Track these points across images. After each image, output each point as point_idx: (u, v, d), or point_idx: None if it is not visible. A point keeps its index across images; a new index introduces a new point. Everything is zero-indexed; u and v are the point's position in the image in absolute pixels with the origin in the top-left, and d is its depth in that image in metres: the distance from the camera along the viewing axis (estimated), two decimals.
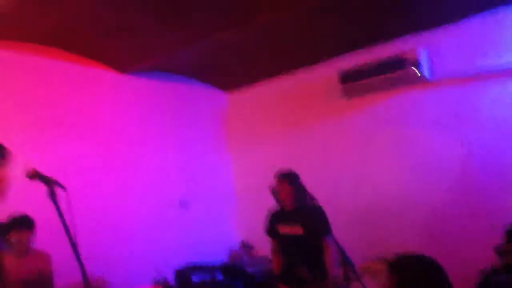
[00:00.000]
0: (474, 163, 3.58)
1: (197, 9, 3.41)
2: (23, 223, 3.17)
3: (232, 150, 5.47)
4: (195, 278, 4.32)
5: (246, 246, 5.01)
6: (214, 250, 4.89)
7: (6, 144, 1.83)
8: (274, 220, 3.58)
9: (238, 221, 5.23)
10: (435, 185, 3.75)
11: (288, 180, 3.42)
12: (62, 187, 1.85)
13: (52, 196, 1.83)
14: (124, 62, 4.46)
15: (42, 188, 1.85)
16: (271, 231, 3.59)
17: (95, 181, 4.20)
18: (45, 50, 4.06)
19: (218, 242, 5.00)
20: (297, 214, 3.43)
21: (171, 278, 4.18)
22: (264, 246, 3.77)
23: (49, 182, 1.85)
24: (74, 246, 1.76)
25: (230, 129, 5.52)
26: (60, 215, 1.77)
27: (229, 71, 5.00)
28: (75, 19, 3.55)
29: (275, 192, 3.47)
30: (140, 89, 4.74)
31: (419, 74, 3.78)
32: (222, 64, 4.80)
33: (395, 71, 3.86)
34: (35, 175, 1.86)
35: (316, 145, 4.63)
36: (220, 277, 4.43)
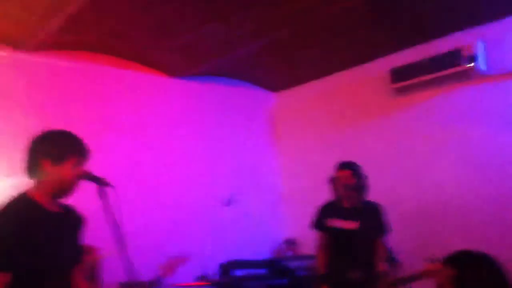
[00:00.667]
0: None
1: (250, 8, 3.37)
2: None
3: (280, 150, 5.44)
4: (238, 273, 4.35)
5: (290, 243, 4.98)
6: (259, 246, 4.91)
7: None
8: (325, 213, 3.38)
9: (283, 219, 5.20)
10: (497, 182, 3.55)
11: (350, 170, 3.25)
12: (111, 185, 1.89)
13: (102, 194, 1.87)
14: (175, 67, 4.59)
15: (92, 187, 1.90)
16: (320, 223, 3.39)
17: (149, 180, 4.39)
18: (98, 58, 4.26)
19: (263, 239, 5.01)
20: (355, 210, 3.24)
21: (215, 273, 4.24)
22: (308, 244, 3.71)
23: (98, 181, 1.89)
24: (122, 244, 1.79)
25: (279, 129, 5.49)
26: (109, 213, 1.81)
27: (277, 71, 4.98)
28: (127, 25, 3.64)
29: (334, 182, 3.31)
30: (191, 92, 4.88)
31: (477, 69, 3.59)
32: (270, 65, 4.78)
33: (450, 67, 3.68)
34: (85, 176, 1.91)
35: (367, 145, 4.48)
36: (263, 272, 4.44)
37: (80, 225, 2.09)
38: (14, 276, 1.73)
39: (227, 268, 4.36)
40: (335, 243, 3.31)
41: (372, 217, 3.18)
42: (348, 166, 3.29)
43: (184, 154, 4.71)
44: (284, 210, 5.23)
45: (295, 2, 3.31)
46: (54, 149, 1.88)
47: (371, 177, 4.18)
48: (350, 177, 3.23)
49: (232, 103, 5.18)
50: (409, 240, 3.79)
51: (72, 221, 2.05)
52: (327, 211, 3.39)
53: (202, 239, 4.57)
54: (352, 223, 3.22)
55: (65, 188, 1.90)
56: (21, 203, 1.86)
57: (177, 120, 4.74)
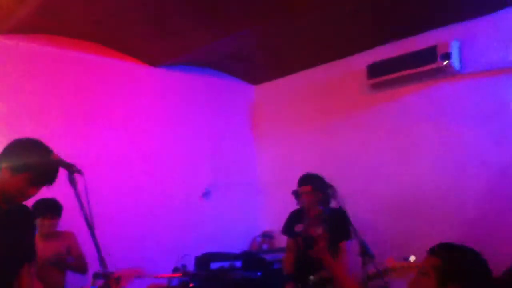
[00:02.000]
0: (509, 157, 3.46)
1: (230, 2, 3.39)
2: (47, 210, 3.23)
3: (259, 142, 5.46)
4: (214, 266, 4.35)
5: (267, 236, 5.01)
6: (236, 239, 4.93)
7: (43, 131, 1.92)
8: (294, 220, 3.56)
9: (261, 212, 5.23)
10: (471, 179, 3.66)
11: (310, 185, 3.36)
12: (80, 172, 1.87)
13: (72, 181, 1.85)
14: (156, 56, 4.53)
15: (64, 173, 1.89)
16: (289, 229, 3.58)
17: (126, 170, 4.33)
18: (82, 44, 4.18)
19: (241, 231, 5.04)
20: (319, 216, 3.38)
21: (191, 266, 4.23)
22: (284, 237, 3.76)
23: (69, 167, 1.88)
24: (91, 229, 1.79)
25: (258, 122, 5.51)
26: (79, 200, 1.80)
27: (257, 64, 4.99)
28: (106, 11, 3.56)
29: (296, 196, 3.44)
30: (171, 82, 4.83)
31: (451, 67, 3.67)
32: (250, 57, 4.79)
33: (426, 64, 3.75)
34: (58, 163, 1.90)
35: (344, 139, 4.55)
36: (239, 265, 4.45)
37: (31, 223, 2.14)
38: None
39: (202, 260, 4.36)
40: (302, 248, 3.45)
41: (334, 223, 3.28)
42: (308, 181, 3.38)
43: (163, 144, 4.67)
44: (261, 203, 5.25)
45: (278, 6, 3.36)
46: (15, 159, 1.89)
47: (347, 172, 4.25)
48: (310, 192, 3.34)
49: (212, 94, 5.15)
50: (388, 235, 3.86)
51: (20, 219, 2.05)
52: (295, 218, 3.56)
53: (179, 231, 4.57)
54: (318, 229, 3.33)
55: (12, 195, 1.92)
56: None
57: (156, 109, 4.68)
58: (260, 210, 5.24)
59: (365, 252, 2.91)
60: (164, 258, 3.99)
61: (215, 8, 3.46)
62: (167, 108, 4.76)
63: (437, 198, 3.84)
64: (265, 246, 4.98)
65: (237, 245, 4.82)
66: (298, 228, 3.46)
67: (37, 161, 1.91)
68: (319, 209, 3.37)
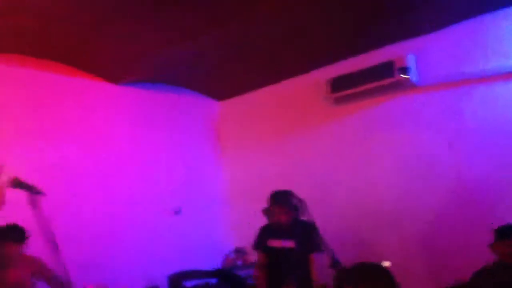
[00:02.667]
0: (463, 165, 3.64)
1: (180, 10, 3.35)
2: (8, 236, 3.08)
3: (225, 158, 5.51)
4: (187, 284, 4.33)
5: (239, 251, 5.02)
6: (208, 256, 4.92)
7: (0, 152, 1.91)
8: (265, 235, 3.63)
9: (231, 227, 5.25)
10: (427, 187, 3.80)
11: (281, 203, 3.45)
12: (41, 193, 1.87)
13: (33, 203, 1.84)
14: (115, 73, 4.49)
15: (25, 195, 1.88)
16: (260, 244, 3.63)
17: (87, 188, 4.25)
18: (40, 62, 4.14)
19: (212, 248, 5.03)
20: (289, 230, 3.47)
21: (163, 284, 4.21)
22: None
23: (30, 189, 1.87)
24: (55, 251, 1.78)
25: (223, 137, 5.56)
26: (41, 222, 1.79)
27: (220, 80, 5.04)
28: (61, 29, 3.54)
29: (267, 213, 3.51)
30: (133, 99, 4.81)
31: (408, 80, 3.83)
32: (213, 73, 4.83)
33: (384, 78, 3.91)
34: (16, 184, 1.89)
35: (308, 152, 4.66)
36: (213, 281, 4.44)
37: None
38: None
39: (176, 278, 4.33)
40: (275, 261, 3.56)
41: (305, 236, 3.37)
42: (281, 201, 3.46)
43: (129, 162, 4.64)
44: (231, 219, 5.28)
45: (236, 14, 3.38)
46: None
47: (310, 183, 4.33)
48: (283, 212, 3.42)
49: (177, 111, 5.16)
50: (350, 243, 3.95)
51: None
52: (266, 232, 3.64)
53: (150, 249, 4.53)
54: (289, 242, 3.46)
55: None
56: None
57: (121, 127, 4.65)
58: (231, 225, 5.25)
59: (335, 264, 2.99)
60: (136, 277, 3.97)
61: (171, 15, 3.43)
62: (130, 125, 4.73)
63: (392, 207, 3.98)
64: (239, 262, 4.99)
65: (210, 262, 4.81)
66: (272, 243, 3.54)
67: None
68: (290, 223, 3.44)
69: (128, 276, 3.85)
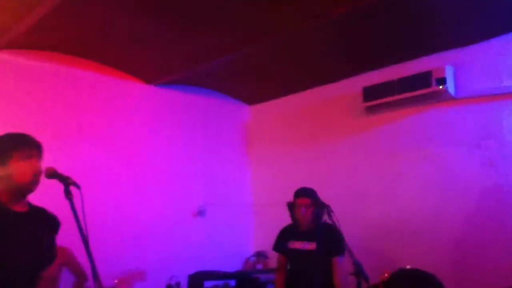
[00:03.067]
0: (502, 183, 3.49)
1: (223, 21, 3.43)
2: None
3: (253, 162, 5.49)
4: (207, 284, 4.32)
5: (261, 255, 4.99)
6: (229, 258, 4.92)
7: None
8: (286, 236, 3.55)
9: (254, 232, 5.23)
10: (461, 204, 3.67)
11: (309, 198, 3.37)
12: (77, 186, 1.88)
13: (68, 194, 1.86)
14: (151, 74, 4.56)
15: (60, 187, 1.89)
16: (280, 246, 3.56)
17: (117, 188, 4.32)
18: (75, 61, 4.18)
19: (234, 251, 5.03)
20: (312, 232, 3.40)
21: (183, 283, 4.21)
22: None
23: (65, 181, 1.89)
24: (86, 244, 1.78)
25: (252, 142, 5.55)
26: (75, 213, 1.80)
27: (251, 84, 5.04)
28: (104, 29, 3.60)
29: (292, 208, 3.44)
30: (165, 100, 4.84)
31: (445, 92, 3.73)
32: (246, 78, 4.83)
33: (421, 88, 3.81)
34: (53, 174, 1.91)
35: (338, 162, 4.57)
36: (232, 284, 4.42)
37: (51, 226, 2.08)
38: None
39: (196, 278, 4.33)
40: (295, 264, 3.49)
41: (328, 238, 3.31)
42: (306, 194, 3.40)
43: (156, 162, 4.67)
44: (255, 223, 5.25)
45: (268, 19, 3.37)
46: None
47: (339, 194, 4.27)
48: (308, 204, 3.35)
49: (207, 113, 5.18)
50: (375, 257, 3.86)
51: (40, 221, 2.01)
52: (287, 234, 3.56)
53: (172, 249, 4.55)
54: (310, 244, 3.37)
55: (19, 182, 1.89)
56: None
57: (150, 127, 4.69)
58: (254, 229, 5.24)
59: (360, 273, 2.90)
60: (157, 277, 3.97)
61: (210, 25, 3.49)
62: (161, 126, 4.77)
63: (421, 223, 3.87)
64: (259, 266, 4.96)
65: (230, 265, 4.80)
66: (293, 245, 3.46)
67: (13, 139, 1.94)
68: (313, 224, 3.38)
69: (150, 274, 3.85)
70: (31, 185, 1.92)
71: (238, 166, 5.42)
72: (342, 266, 3.25)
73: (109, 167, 4.28)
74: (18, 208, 1.93)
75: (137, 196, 4.44)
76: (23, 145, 1.93)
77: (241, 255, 5.09)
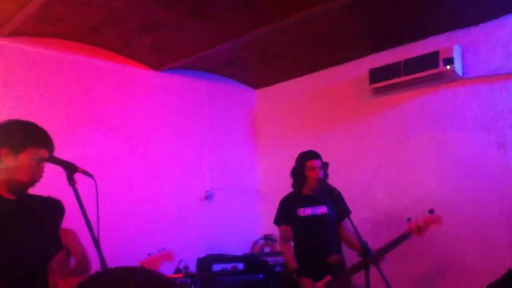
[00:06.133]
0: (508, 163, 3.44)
1: (230, 6, 3.39)
2: None
3: (260, 146, 5.45)
4: (216, 267, 4.36)
5: (268, 239, 5.01)
6: (237, 242, 4.94)
7: None
8: (291, 206, 3.44)
9: (261, 215, 5.21)
10: (471, 192, 3.60)
11: (320, 160, 3.37)
12: (89, 175, 1.83)
13: (71, 181, 1.82)
14: (158, 60, 4.53)
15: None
16: (288, 217, 3.43)
17: (126, 174, 4.34)
18: (82, 48, 4.17)
19: (241, 235, 5.04)
20: (318, 196, 3.34)
21: (192, 267, 4.25)
22: None
23: (68, 167, 1.84)
24: (91, 232, 1.74)
25: (259, 125, 5.50)
26: (78, 199, 1.76)
27: (257, 68, 4.97)
28: (111, 16, 3.58)
29: (302, 171, 3.38)
30: (172, 85, 4.81)
31: (453, 72, 3.66)
32: (251, 62, 4.78)
33: (428, 69, 3.75)
34: (52, 160, 1.87)
35: (345, 144, 4.53)
36: (240, 267, 4.45)
37: (53, 213, 2.02)
38: None
39: (204, 262, 4.37)
40: (308, 231, 3.36)
41: (335, 201, 3.29)
42: (318, 156, 3.40)
43: (163, 147, 4.66)
44: (262, 207, 5.24)
45: (275, 4, 3.33)
46: (12, 139, 1.85)
47: (346, 176, 4.25)
48: (320, 166, 3.34)
49: (215, 98, 5.16)
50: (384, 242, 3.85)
51: (38, 209, 1.97)
52: (292, 203, 3.46)
53: (181, 233, 4.58)
54: (321, 208, 3.33)
55: (21, 179, 1.86)
56: None
57: (158, 113, 4.68)
58: (261, 214, 5.22)
59: (366, 253, 2.89)
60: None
61: (217, 11, 3.46)
62: (168, 111, 4.76)
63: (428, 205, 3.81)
64: (266, 249, 4.98)
65: (238, 249, 4.83)
66: (303, 212, 3.36)
67: (32, 131, 1.90)
68: (318, 187, 3.33)
69: None
70: (30, 184, 1.90)
71: (246, 150, 5.38)
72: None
73: (118, 154, 4.30)
74: (12, 196, 1.89)
75: (146, 182, 4.46)
76: (39, 144, 1.89)
77: (249, 239, 5.11)
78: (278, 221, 3.54)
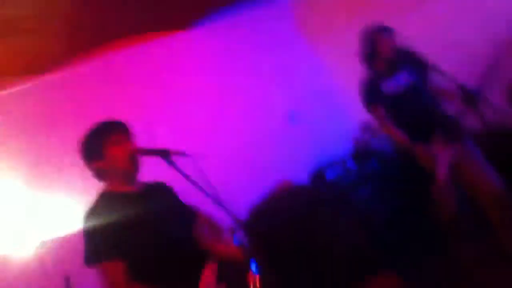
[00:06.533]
0: None
1: None
2: None
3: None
4: (329, 176, 4.29)
5: (369, 129, 4.73)
6: (336, 145, 4.78)
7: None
8: (375, 81, 3.10)
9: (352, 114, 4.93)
10: None
11: (389, 31, 3.02)
12: (183, 154, 1.87)
13: (170, 163, 1.85)
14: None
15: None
16: (375, 96, 3.09)
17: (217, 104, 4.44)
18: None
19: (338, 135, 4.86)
20: (398, 62, 3.01)
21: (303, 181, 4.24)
22: None
23: (160, 153, 1.86)
24: (212, 197, 1.78)
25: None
26: (185, 176, 1.79)
27: None
28: None
29: (374, 45, 3.07)
30: (212, 35, 4.69)
31: None
32: None
33: None
34: (145, 152, 1.93)
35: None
36: (352, 166, 4.33)
37: (169, 191, 2.13)
38: (132, 265, 1.78)
39: (316, 174, 4.31)
40: (399, 111, 3.02)
41: (413, 61, 2.97)
42: (389, 28, 3.05)
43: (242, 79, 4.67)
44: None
45: None
46: (89, 150, 1.97)
47: None
48: (393, 41, 3.00)
49: (262, 23, 4.92)
50: None
51: (159, 192, 2.07)
52: (372, 82, 3.13)
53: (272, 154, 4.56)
54: (403, 77, 2.98)
55: (121, 171, 1.96)
56: (104, 197, 1.94)
57: (221, 65, 4.65)
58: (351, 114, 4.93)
59: (469, 97, 2.63)
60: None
61: None
62: (227, 59, 4.70)
63: None
64: (371, 139, 4.71)
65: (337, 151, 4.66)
66: (386, 87, 3.03)
67: (98, 131, 1.99)
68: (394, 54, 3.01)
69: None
70: (131, 166, 1.97)
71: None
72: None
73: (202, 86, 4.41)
74: (133, 189, 1.99)
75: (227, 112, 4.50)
76: (109, 132, 1.97)
77: (346, 137, 4.91)
78: (368, 102, 3.20)
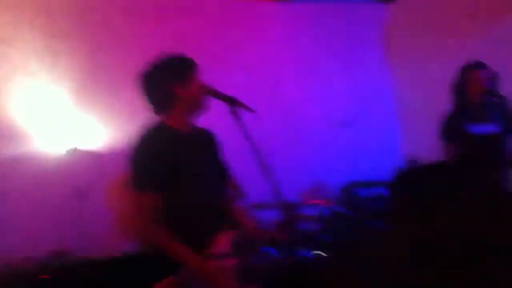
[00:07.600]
0: None
1: None
2: None
3: (394, 67, 5.11)
4: (362, 194, 4.39)
5: (413, 161, 4.82)
6: (378, 167, 4.87)
7: None
8: (459, 119, 3.01)
9: (401, 137, 5.02)
10: None
11: (483, 68, 2.92)
12: (251, 110, 1.87)
13: (235, 114, 1.85)
14: None
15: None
16: (454, 132, 3.01)
17: (263, 104, 4.48)
18: None
19: (382, 159, 4.94)
20: (489, 108, 2.92)
21: (335, 195, 4.36)
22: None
23: (230, 101, 1.87)
24: (263, 163, 1.76)
25: (393, 44, 5.13)
26: (244, 131, 1.81)
27: None
28: None
29: (467, 82, 2.98)
30: (300, 13, 4.82)
31: None
32: None
33: None
34: (215, 94, 1.90)
35: (491, 57, 4.03)
36: (387, 192, 4.36)
37: (215, 142, 2.08)
38: (166, 198, 1.79)
39: (348, 188, 4.44)
40: (473, 152, 2.97)
41: (506, 116, 2.90)
42: (485, 66, 2.96)
43: (295, 72, 4.76)
44: (402, 128, 5.04)
45: None
46: (178, 72, 1.88)
47: None
48: (487, 79, 2.92)
49: (342, 19, 5.00)
50: None
51: (207, 139, 2.05)
52: (462, 115, 3.03)
53: (320, 160, 4.68)
54: (490, 126, 2.94)
55: (198, 107, 1.92)
56: (159, 130, 1.88)
57: (288, 42, 4.75)
58: (401, 135, 5.03)
59: None
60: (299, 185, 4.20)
61: None
62: (300, 39, 4.79)
63: None
64: None
65: (378, 174, 4.65)
66: (473, 128, 2.94)
67: (186, 59, 1.93)
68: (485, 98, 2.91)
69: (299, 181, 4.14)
70: (204, 106, 1.95)
71: (380, 70, 5.13)
72: None
73: (250, 88, 4.37)
74: (188, 130, 1.94)
75: (286, 111, 4.61)
76: (196, 64, 1.93)
77: (389, 163, 4.98)
78: (445, 135, 3.09)
